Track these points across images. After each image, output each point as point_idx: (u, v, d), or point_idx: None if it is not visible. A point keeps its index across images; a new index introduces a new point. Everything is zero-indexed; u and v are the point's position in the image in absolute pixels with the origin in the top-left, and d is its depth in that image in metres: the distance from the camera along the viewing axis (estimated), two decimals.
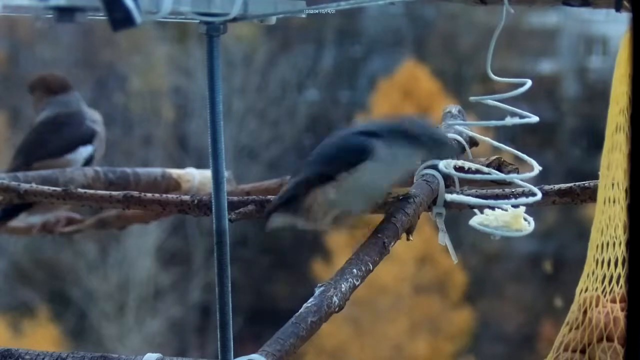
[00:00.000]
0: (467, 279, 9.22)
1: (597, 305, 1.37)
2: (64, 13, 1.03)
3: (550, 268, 9.16)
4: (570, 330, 1.39)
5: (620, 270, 1.37)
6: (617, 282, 1.37)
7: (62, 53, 9.97)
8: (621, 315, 1.36)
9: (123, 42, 9.73)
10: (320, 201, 1.59)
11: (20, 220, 2.81)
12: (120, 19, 1.02)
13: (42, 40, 9.85)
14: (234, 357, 1.31)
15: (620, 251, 1.37)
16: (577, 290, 1.40)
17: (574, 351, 1.38)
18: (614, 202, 1.37)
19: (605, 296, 1.38)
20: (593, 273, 1.39)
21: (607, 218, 1.38)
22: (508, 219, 1.37)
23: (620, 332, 1.35)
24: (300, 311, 1.47)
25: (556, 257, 9.16)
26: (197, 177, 2.70)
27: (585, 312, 1.38)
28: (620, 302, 1.37)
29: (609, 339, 1.36)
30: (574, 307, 1.40)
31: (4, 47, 10.03)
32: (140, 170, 2.65)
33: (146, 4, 1.08)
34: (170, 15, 1.16)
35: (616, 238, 1.37)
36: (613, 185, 1.37)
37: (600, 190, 1.39)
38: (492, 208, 1.38)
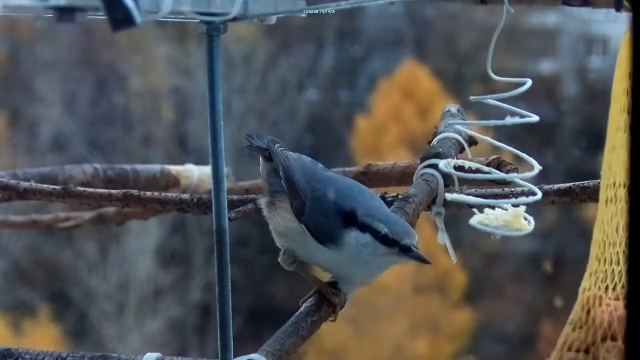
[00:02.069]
0: (467, 279, 9.22)
1: (600, 305, 1.37)
2: (64, 13, 1.03)
3: (550, 268, 9.16)
4: (573, 329, 1.39)
5: (623, 269, 1.37)
6: (620, 281, 1.37)
7: (62, 53, 9.97)
8: (624, 314, 1.35)
9: (123, 42, 9.73)
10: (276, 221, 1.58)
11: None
12: (120, 19, 1.02)
13: (42, 40, 9.85)
14: (234, 357, 1.31)
15: (622, 250, 1.36)
16: (580, 289, 1.40)
17: (577, 351, 1.37)
18: (615, 201, 1.37)
19: (608, 295, 1.37)
20: (595, 272, 1.39)
21: (609, 217, 1.38)
22: (508, 218, 1.37)
23: (623, 331, 1.35)
24: (300, 310, 1.47)
25: (556, 257, 9.16)
26: (195, 173, 2.70)
27: (588, 311, 1.38)
28: (623, 300, 1.37)
29: (613, 338, 1.36)
30: (577, 306, 1.40)
31: (4, 47, 10.03)
32: (139, 167, 2.64)
33: (146, 4, 1.08)
34: (170, 15, 1.16)
35: (618, 237, 1.37)
36: (614, 184, 1.37)
37: (602, 189, 1.39)
38: (492, 207, 1.38)
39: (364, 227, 1.49)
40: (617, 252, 1.36)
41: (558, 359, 1.39)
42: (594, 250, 1.39)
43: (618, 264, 1.37)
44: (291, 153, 1.61)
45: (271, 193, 1.58)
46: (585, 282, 1.40)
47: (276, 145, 1.61)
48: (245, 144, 1.68)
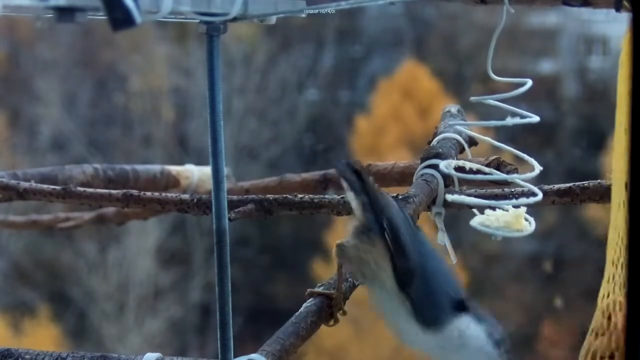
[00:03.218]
0: (467, 279, 9.22)
1: (620, 310, 1.35)
2: (64, 13, 1.03)
3: (550, 268, 9.16)
4: (596, 337, 1.37)
5: None
6: None
7: (62, 53, 9.97)
8: None
9: (123, 42, 9.73)
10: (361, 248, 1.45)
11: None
12: (120, 19, 1.02)
13: (42, 40, 9.85)
14: (234, 357, 1.31)
15: None
16: (599, 296, 1.38)
17: (602, 358, 1.36)
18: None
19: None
20: (613, 277, 1.37)
21: (623, 221, 1.37)
22: (509, 219, 1.37)
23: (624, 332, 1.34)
24: (300, 311, 1.47)
25: (556, 257, 9.16)
26: (196, 173, 2.70)
27: (609, 317, 1.36)
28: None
29: None
30: (597, 313, 1.38)
31: (4, 47, 10.03)
32: (139, 167, 2.64)
33: (146, 4, 1.08)
34: (170, 15, 1.16)
35: None
36: (626, 188, 1.37)
37: (614, 192, 1.38)
38: (493, 208, 1.38)
39: (480, 320, 1.42)
40: None
41: None
42: (610, 255, 1.37)
43: None
44: (389, 197, 1.49)
45: (365, 226, 1.44)
46: (603, 288, 1.38)
47: (371, 179, 1.47)
48: (336, 168, 1.51)
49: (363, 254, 1.44)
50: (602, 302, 1.38)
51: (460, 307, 1.42)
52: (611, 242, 1.37)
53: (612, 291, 1.36)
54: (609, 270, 1.37)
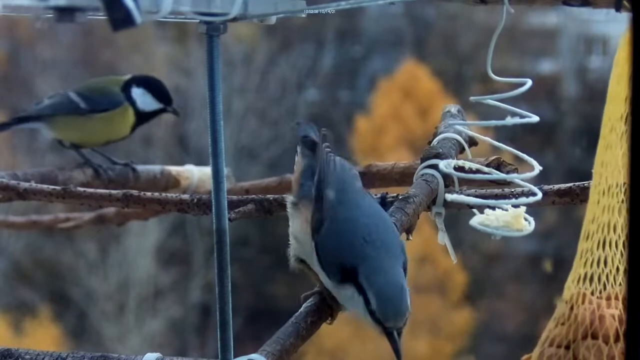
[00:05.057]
0: (467, 279, 9.23)
1: (583, 302, 1.37)
2: (64, 13, 1.03)
3: (550, 268, 9.17)
4: (556, 325, 1.40)
5: (611, 268, 1.37)
6: (607, 280, 1.37)
7: (62, 53, 9.98)
8: (607, 313, 1.36)
9: (123, 42, 9.74)
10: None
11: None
12: (120, 19, 1.02)
13: (42, 40, 9.86)
14: (234, 357, 1.31)
15: (610, 249, 1.37)
16: (566, 285, 1.41)
17: (558, 347, 1.38)
18: (607, 199, 1.37)
19: (592, 293, 1.38)
20: (581, 269, 1.39)
21: (598, 216, 1.38)
22: (508, 219, 1.37)
23: (604, 330, 1.36)
24: (300, 311, 1.47)
25: (556, 257, 9.16)
26: (196, 174, 2.70)
27: (571, 308, 1.38)
28: (607, 299, 1.37)
29: (594, 337, 1.36)
30: (561, 303, 1.41)
31: (4, 47, 10.04)
32: (139, 167, 2.65)
33: (146, 4, 1.08)
34: (170, 15, 1.16)
35: (605, 236, 1.37)
36: (606, 183, 1.38)
37: (592, 188, 1.39)
38: (493, 208, 1.38)
39: (360, 289, 1.40)
40: (605, 252, 1.36)
41: (539, 354, 1.40)
42: (581, 248, 1.39)
43: (605, 263, 1.37)
44: (338, 159, 1.51)
45: (299, 195, 1.49)
46: (570, 279, 1.41)
47: (324, 144, 1.51)
48: (295, 129, 1.56)
49: (291, 222, 1.48)
50: (567, 291, 1.39)
51: (349, 274, 1.41)
52: (584, 236, 1.38)
53: (577, 283, 1.38)
54: (578, 262, 1.39)
